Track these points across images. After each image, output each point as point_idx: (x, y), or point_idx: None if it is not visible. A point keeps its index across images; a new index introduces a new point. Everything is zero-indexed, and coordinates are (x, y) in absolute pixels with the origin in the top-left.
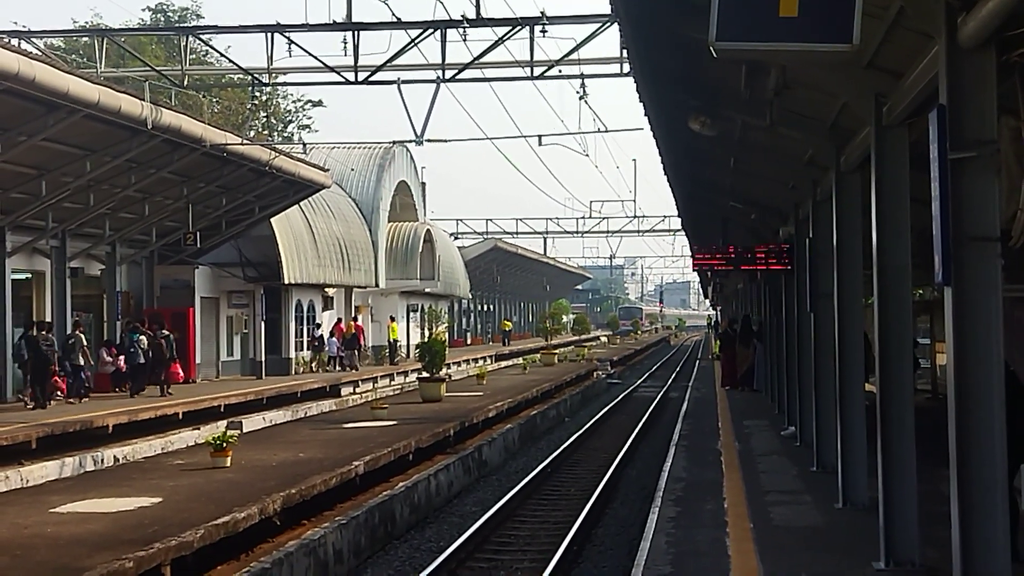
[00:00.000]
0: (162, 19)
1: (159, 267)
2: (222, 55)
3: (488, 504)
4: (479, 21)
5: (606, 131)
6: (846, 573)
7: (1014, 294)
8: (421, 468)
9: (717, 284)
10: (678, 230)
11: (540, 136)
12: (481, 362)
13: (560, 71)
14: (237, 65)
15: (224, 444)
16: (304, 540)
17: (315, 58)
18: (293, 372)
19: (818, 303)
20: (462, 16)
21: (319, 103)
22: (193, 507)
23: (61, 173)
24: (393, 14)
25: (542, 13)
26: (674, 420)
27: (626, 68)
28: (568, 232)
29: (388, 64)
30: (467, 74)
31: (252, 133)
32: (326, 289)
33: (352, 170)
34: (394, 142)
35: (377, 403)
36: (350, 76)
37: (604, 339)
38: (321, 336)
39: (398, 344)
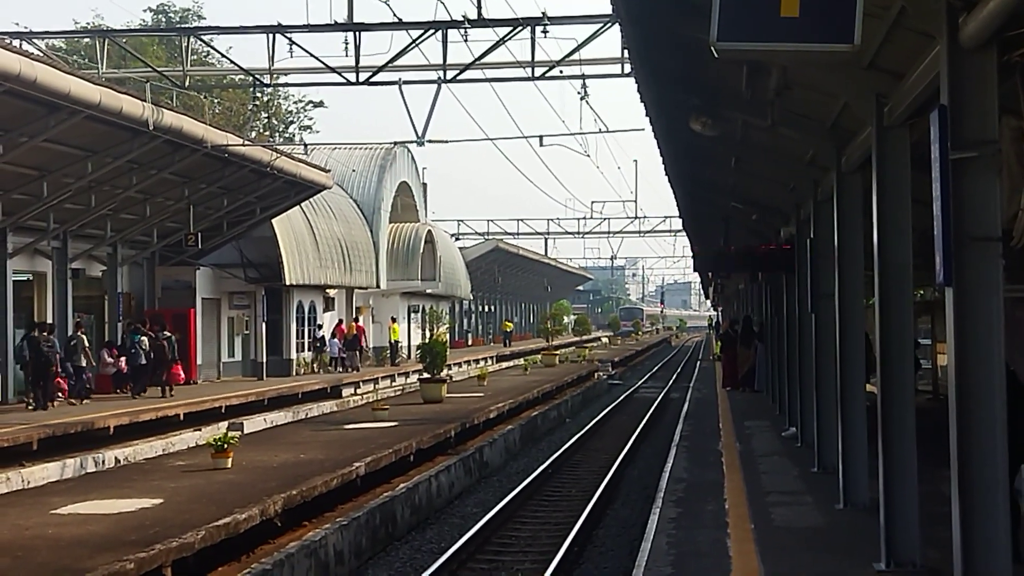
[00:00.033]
0: (163, 20)
1: (160, 268)
2: (223, 56)
3: (489, 505)
4: (480, 22)
5: (607, 131)
6: (847, 574)
7: (1015, 294)
8: (422, 469)
9: (718, 285)
10: (679, 231)
11: (541, 136)
12: (482, 363)
13: (561, 71)
14: (238, 66)
15: (225, 445)
16: (305, 541)
17: (316, 59)
18: (294, 373)
19: (819, 304)
20: (463, 16)
21: (320, 104)
22: (194, 508)
23: (62, 174)
24: (394, 15)
25: (543, 13)
26: (675, 421)
27: (627, 68)
28: (569, 233)
29: (389, 65)
30: (468, 74)
31: (253, 134)
32: (327, 290)
33: (353, 171)
34: (395, 143)
35: (378, 404)
36: (351, 77)
37: (605, 340)
38: (322, 337)
39: (399, 345)
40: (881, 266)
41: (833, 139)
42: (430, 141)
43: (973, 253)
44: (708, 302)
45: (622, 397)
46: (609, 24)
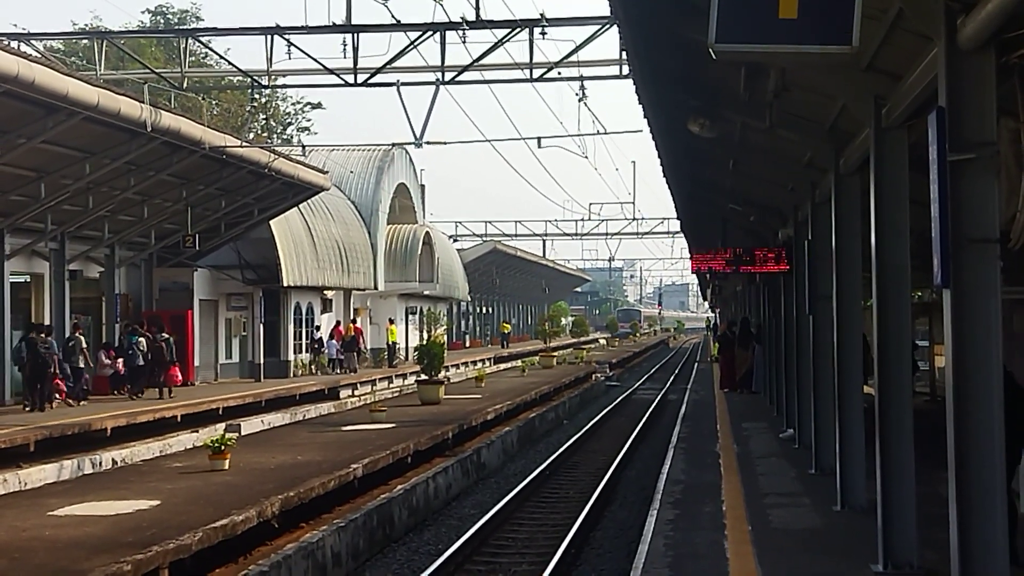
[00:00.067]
0: (161, 21)
1: (158, 269)
2: (221, 57)
3: (487, 507)
4: (478, 23)
5: (605, 133)
6: (844, 575)
7: (1013, 296)
8: (420, 471)
9: (716, 286)
10: (677, 232)
11: (539, 138)
12: (480, 364)
13: (559, 73)
14: (236, 67)
15: (222, 447)
16: (302, 543)
17: (314, 60)
18: (292, 375)
19: (817, 305)
20: (461, 18)
21: (318, 105)
22: (191, 510)
23: (60, 175)
24: (392, 16)
25: (541, 15)
26: (673, 422)
27: (625, 70)
28: (567, 234)
29: (387, 66)
30: (466, 76)
31: (251, 135)
32: (325, 291)
33: (351, 172)
34: (393, 144)
35: (376, 406)
36: (349, 78)
37: (603, 341)
38: (321, 338)
39: (397, 346)
40: (879, 268)
41: (831, 141)
42: (428, 143)
43: (971, 255)
44: (706, 304)
45: (620, 399)
46: (607, 26)
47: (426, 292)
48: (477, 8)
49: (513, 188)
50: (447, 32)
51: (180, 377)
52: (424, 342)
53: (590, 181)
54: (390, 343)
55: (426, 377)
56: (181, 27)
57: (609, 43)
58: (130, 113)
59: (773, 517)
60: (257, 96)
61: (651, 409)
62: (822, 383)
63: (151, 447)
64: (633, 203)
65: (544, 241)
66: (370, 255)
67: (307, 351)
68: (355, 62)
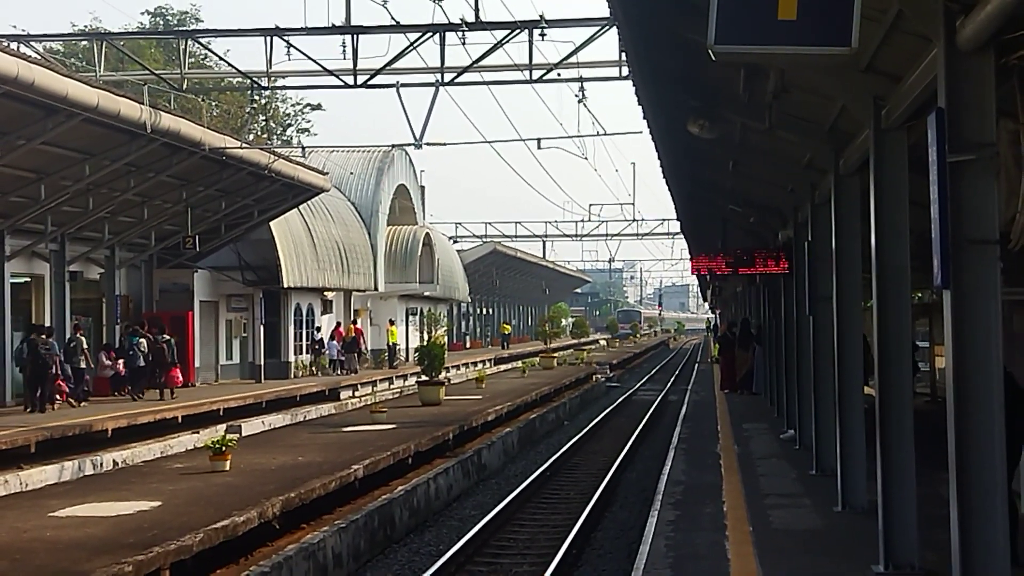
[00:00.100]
0: (161, 23)
1: (158, 271)
2: (221, 59)
3: (487, 507)
4: (478, 24)
5: (605, 134)
6: None
7: (1013, 297)
8: (420, 472)
9: (716, 287)
10: (677, 233)
11: (539, 139)
12: (480, 365)
13: (559, 74)
14: (236, 69)
15: (223, 448)
16: (303, 544)
17: (314, 61)
18: (292, 376)
19: (817, 306)
20: (461, 19)
21: (318, 107)
22: (192, 511)
23: (60, 177)
24: (392, 18)
25: (541, 16)
26: (673, 423)
27: (625, 71)
28: (567, 235)
29: (387, 67)
30: (466, 77)
31: (251, 137)
32: (325, 293)
33: (351, 174)
34: (393, 146)
35: (376, 407)
36: (349, 79)
37: (603, 342)
38: (321, 339)
39: (397, 348)
40: (879, 268)
41: (831, 142)
42: (428, 144)
43: (971, 256)
44: (706, 304)
45: (620, 399)
46: (607, 27)
47: (426, 293)
48: (476, 9)
49: (513, 189)
50: (447, 33)
51: (181, 378)
52: (424, 343)
53: (590, 182)
54: (390, 344)
55: (426, 378)
56: (181, 28)
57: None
58: (130, 114)
59: (774, 518)
60: (257, 97)
61: (651, 410)
62: (823, 384)
63: (152, 448)
64: (633, 204)
65: (544, 242)
66: (370, 256)
67: (308, 352)
68: (355, 63)
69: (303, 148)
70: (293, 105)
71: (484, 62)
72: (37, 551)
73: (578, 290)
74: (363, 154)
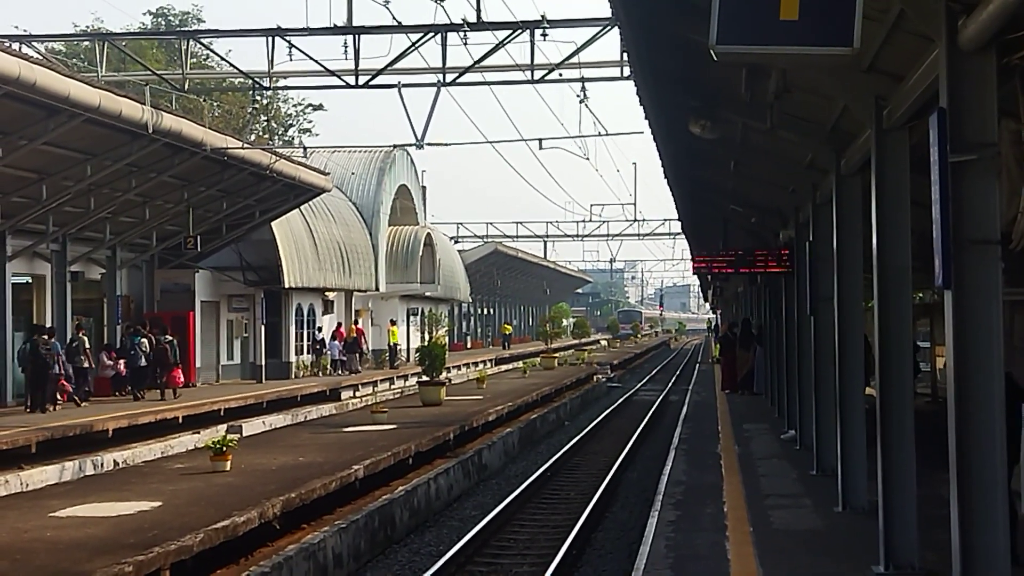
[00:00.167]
0: (163, 23)
1: (159, 271)
2: (223, 59)
3: (488, 508)
4: (479, 25)
5: (606, 135)
6: None
7: (1014, 297)
8: (421, 472)
9: (717, 287)
10: (678, 233)
11: (540, 140)
12: (481, 366)
13: (560, 74)
14: (238, 69)
15: (224, 448)
16: (304, 544)
17: (316, 62)
18: (293, 376)
19: (818, 306)
20: (463, 20)
21: (320, 107)
22: (193, 511)
23: (62, 177)
24: (394, 18)
25: (542, 17)
26: (674, 424)
27: (626, 71)
28: (568, 236)
29: (389, 68)
30: (467, 78)
31: (253, 137)
32: (326, 293)
33: (352, 174)
34: (395, 146)
35: (377, 407)
36: (351, 80)
37: (604, 343)
38: (322, 340)
39: (398, 348)
40: (880, 269)
41: (832, 142)
42: (429, 144)
43: (972, 256)
44: (707, 305)
45: (621, 400)
46: (608, 27)
47: (427, 293)
48: (478, 10)
49: (514, 189)
50: (448, 34)
51: (182, 379)
52: (425, 343)
53: (591, 182)
54: (391, 344)
55: (427, 378)
56: (182, 29)
57: (610, 44)
58: (131, 115)
59: (774, 518)
60: (258, 98)
61: (652, 410)
62: (823, 384)
63: (152, 448)
64: (634, 204)
65: (545, 242)
66: (371, 256)
67: (309, 352)
68: (356, 64)
69: (304, 148)
70: (295, 105)
71: (486, 62)
72: (37, 551)
73: (579, 290)
74: (364, 154)
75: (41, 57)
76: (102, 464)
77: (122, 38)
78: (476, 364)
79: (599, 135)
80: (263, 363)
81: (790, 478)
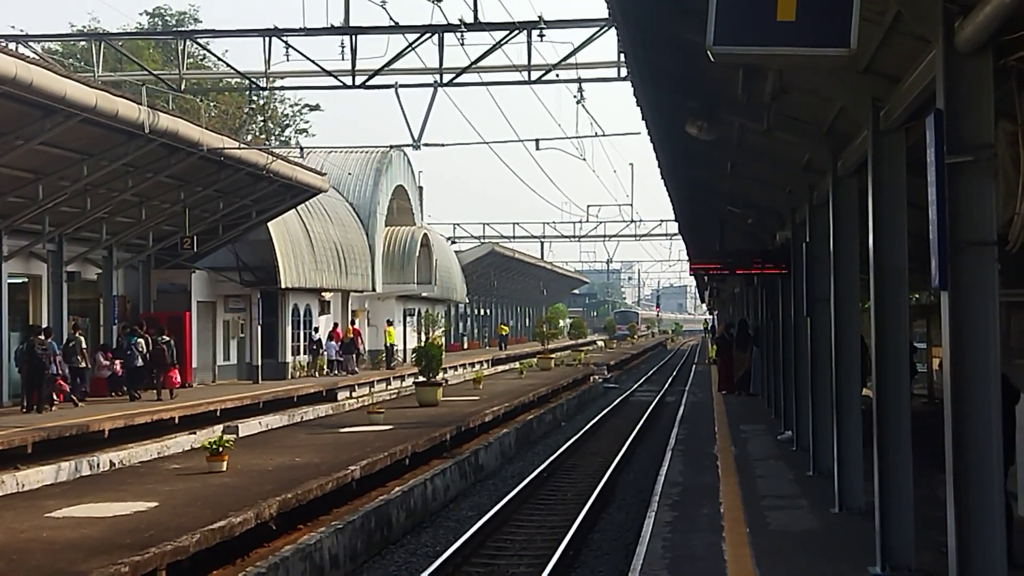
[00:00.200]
0: (160, 23)
1: (156, 271)
2: (219, 59)
3: (484, 508)
4: (476, 25)
5: (603, 135)
6: None
7: (1011, 299)
8: (417, 472)
9: (714, 288)
10: (675, 234)
11: (537, 140)
12: (478, 366)
13: (557, 75)
14: (235, 69)
15: (220, 448)
16: (300, 545)
17: (313, 62)
18: (289, 376)
19: (815, 307)
20: (460, 20)
21: (316, 107)
22: (189, 512)
23: (58, 177)
24: (391, 18)
25: (540, 17)
26: (671, 424)
27: (623, 72)
28: (565, 236)
29: (386, 68)
30: (464, 78)
31: (249, 137)
32: (323, 293)
33: (349, 174)
34: (391, 146)
35: (374, 407)
36: (347, 80)
37: (601, 343)
38: (319, 340)
39: (395, 348)
40: (877, 270)
41: (829, 143)
42: (426, 144)
43: (969, 257)
44: (704, 306)
45: (618, 400)
46: (605, 28)
47: (424, 294)
48: (475, 10)
49: (511, 190)
50: (445, 34)
51: (179, 379)
52: (422, 344)
53: (588, 183)
54: (388, 345)
55: (424, 379)
56: (179, 29)
57: (607, 45)
58: (128, 115)
59: (771, 519)
60: (255, 98)
61: (649, 411)
62: (820, 385)
63: (149, 449)
64: (631, 205)
65: (542, 243)
66: (368, 257)
67: (306, 353)
68: (353, 64)
69: (301, 149)
70: (291, 106)
71: (483, 63)
72: (34, 551)
73: (576, 291)
74: (361, 155)
75: (38, 57)
76: (98, 464)
77: (119, 38)
78: (473, 365)
79: (596, 136)
80: (259, 363)
81: (787, 479)
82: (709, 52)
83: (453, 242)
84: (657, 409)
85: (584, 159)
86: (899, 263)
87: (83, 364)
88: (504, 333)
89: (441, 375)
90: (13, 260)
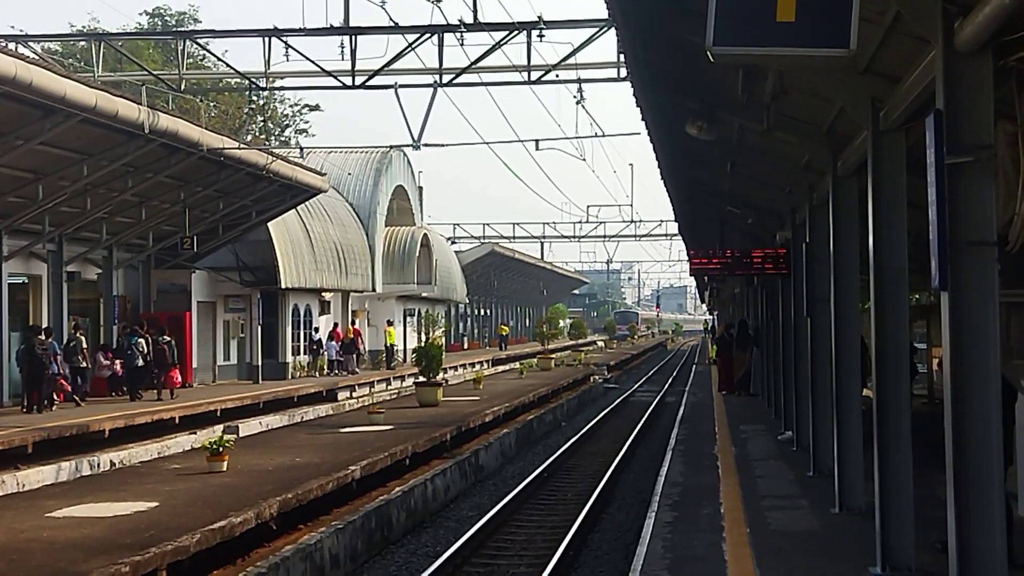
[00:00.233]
0: (159, 23)
1: (156, 271)
2: (219, 59)
3: (485, 509)
4: (476, 26)
5: (603, 136)
6: None
7: (1011, 299)
8: (418, 473)
9: (714, 289)
10: (675, 235)
11: (537, 141)
12: (478, 366)
13: (557, 75)
14: (234, 69)
15: (220, 448)
16: (300, 545)
17: (312, 62)
18: (290, 376)
19: (815, 308)
20: (459, 20)
21: (316, 107)
22: (189, 512)
23: (58, 177)
24: (390, 18)
25: (539, 17)
26: (671, 425)
27: (623, 72)
28: (565, 237)
29: (385, 68)
30: (464, 78)
31: (249, 137)
32: (323, 293)
33: (349, 174)
34: (391, 146)
35: (374, 408)
36: (347, 80)
37: (601, 344)
38: (319, 340)
39: (395, 348)
40: (877, 270)
41: (829, 143)
42: (426, 145)
43: (969, 258)
44: (704, 306)
45: (618, 401)
46: (605, 28)
47: (424, 294)
48: (475, 10)
49: (511, 190)
50: (445, 34)
51: (179, 379)
52: (422, 344)
53: (588, 183)
54: (388, 345)
55: (424, 379)
56: (179, 29)
57: (607, 45)
58: (128, 115)
59: (771, 519)
60: (255, 98)
61: (649, 411)
62: (820, 385)
63: (149, 449)
64: (631, 205)
65: (542, 243)
66: (368, 257)
67: (306, 353)
68: (353, 64)
69: (301, 149)
70: (291, 106)
71: (482, 63)
72: (34, 551)
73: (576, 291)
74: (361, 155)
75: (37, 57)
76: (99, 464)
77: (118, 38)
78: (473, 365)
79: (596, 136)
80: (260, 364)
81: (787, 479)
82: (709, 52)
83: (453, 242)
84: (657, 409)
85: (584, 159)
86: (899, 263)
87: (84, 364)
88: (504, 333)
89: (441, 375)
90: (13, 260)
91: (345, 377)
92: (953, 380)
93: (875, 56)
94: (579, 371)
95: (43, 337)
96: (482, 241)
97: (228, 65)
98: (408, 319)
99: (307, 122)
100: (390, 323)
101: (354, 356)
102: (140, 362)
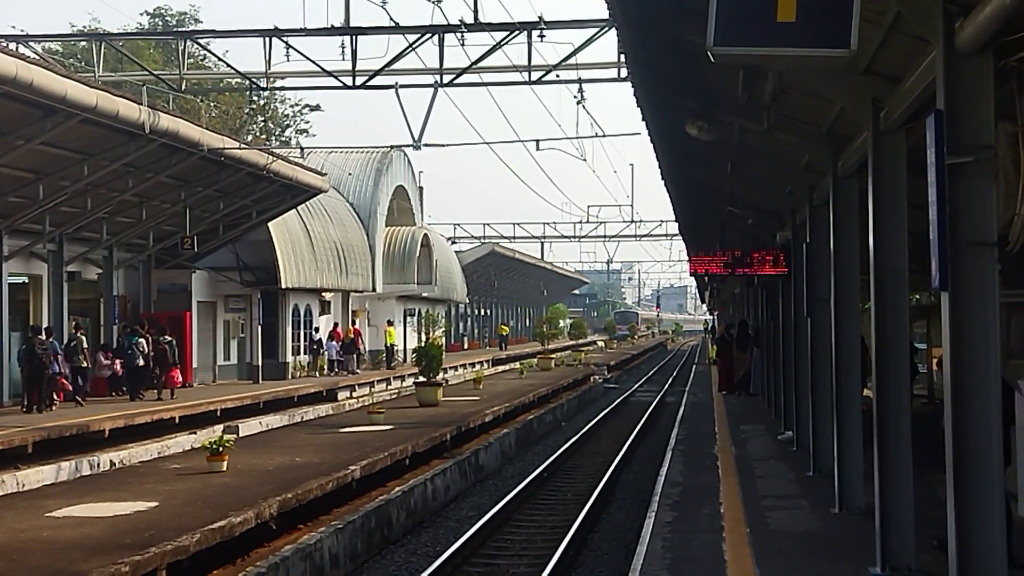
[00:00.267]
0: (160, 23)
1: (156, 271)
2: (220, 59)
3: (485, 508)
4: (477, 26)
5: (604, 136)
6: None
7: (1011, 299)
8: (418, 472)
9: (714, 289)
10: (675, 235)
11: (538, 141)
12: (478, 366)
13: (558, 76)
14: (235, 69)
15: (220, 448)
16: (300, 544)
17: (313, 62)
18: (290, 376)
19: (815, 308)
20: (460, 21)
21: (317, 108)
22: (189, 511)
23: (58, 177)
24: (391, 19)
25: (540, 18)
26: (671, 425)
27: (624, 72)
28: (565, 237)
29: (386, 68)
30: (465, 78)
31: (250, 137)
32: (323, 293)
33: (349, 174)
34: (392, 147)
35: (374, 407)
36: (348, 80)
37: (601, 344)
38: (319, 340)
39: (395, 348)
40: (877, 270)
41: (829, 144)
42: (427, 145)
43: (969, 258)
44: (704, 306)
45: (618, 401)
46: (606, 28)
47: (424, 294)
48: (475, 11)
49: (511, 190)
50: (445, 35)
51: (180, 379)
52: (422, 344)
53: (588, 184)
54: (388, 345)
55: (424, 379)
56: (179, 29)
57: (607, 46)
58: (128, 115)
59: (771, 519)
60: (255, 98)
61: (649, 411)
62: (820, 386)
63: (149, 449)
64: (631, 205)
65: (542, 243)
66: (368, 257)
67: (306, 353)
68: (353, 64)
69: (301, 149)
70: (292, 106)
71: (483, 63)
72: (34, 551)
73: (576, 291)
74: (361, 155)
75: (38, 57)
76: (98, 464)
77: (119, 38)
78: (473, 365)
79: (596, 136)
80: (260, 363)
81: (787, 479)
82: (709, 53)
83: (453, 242)
84: (657, 409)
85: (584, 160)
86: (899, 264)
87: (84, 364)
88: (504, 333)
89: (441, 375)
90: (14, 260)
91: (345, 377)
92: (953, 380)
93: (875, 56)
94: (579, 371)
95: (44, 337)
96: (482, 241)
97: (229, 65)
98: (408, 319)
99: (307, 122)
100: (390, 323)
101: (354, 356)
102: (140, 362)
